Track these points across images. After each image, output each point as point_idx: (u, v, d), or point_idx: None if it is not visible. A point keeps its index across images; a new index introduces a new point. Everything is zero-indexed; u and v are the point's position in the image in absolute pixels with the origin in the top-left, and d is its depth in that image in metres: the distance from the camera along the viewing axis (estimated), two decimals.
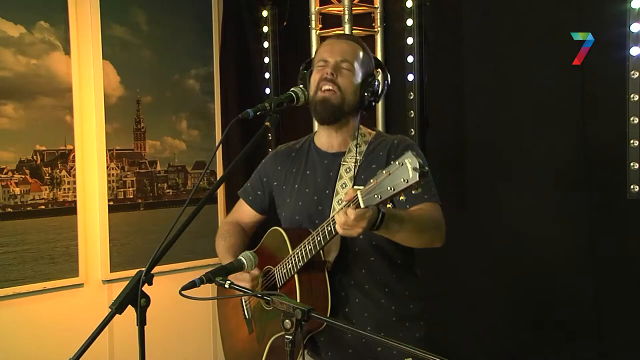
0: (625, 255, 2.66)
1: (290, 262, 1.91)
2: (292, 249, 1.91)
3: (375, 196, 1.53)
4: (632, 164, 2.49)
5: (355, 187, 1.70)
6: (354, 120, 2.02)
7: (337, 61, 1.96)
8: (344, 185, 1.97)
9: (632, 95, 2.47)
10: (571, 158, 2.81)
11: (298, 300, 1.87)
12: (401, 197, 1.51)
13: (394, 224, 1.72)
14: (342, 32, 3.14)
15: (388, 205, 1.60)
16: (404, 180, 1.46)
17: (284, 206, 2.11)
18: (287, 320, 1.47)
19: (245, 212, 2.25)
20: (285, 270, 1.93)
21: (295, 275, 1.89)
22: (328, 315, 1.89)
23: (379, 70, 2.05)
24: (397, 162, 1.48)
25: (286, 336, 1.48)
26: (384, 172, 1.51)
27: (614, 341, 2.71)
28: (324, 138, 2.06)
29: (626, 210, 2.59)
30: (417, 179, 1.45)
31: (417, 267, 2.11)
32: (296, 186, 2.07)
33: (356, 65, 1.97)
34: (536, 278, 2.93)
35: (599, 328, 2.73)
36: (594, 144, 2.71)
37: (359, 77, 1.97)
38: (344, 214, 1.62)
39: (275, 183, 2.14)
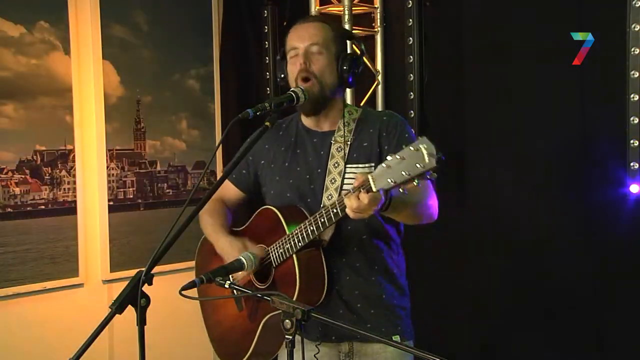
0: (625, 255, 2.66)
1: (288, 242, 1.91)
2: (289, 229, 1.92)
3: (389, 180, 1.54)
4: (632, 164, 2.49)
5: (362, 172, 1.77)
6: (340, 99, 2.05)
7: (307, 46, 1.96)
8: (336, 165, 1.98)
9: (632, 95, 2.47)
10: (571, 157, 2.81)
11: (298, 280, 1.88)
12: (414, 182, 1.52)
13: (399, 204, 1.75)
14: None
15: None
16: (420, 165, 1.48)
17: (272, 184, 2.10)
18: (287, 320, 1.47)
19: (229, 190, 2.22)
20: (282, 250, 1.93)
21: (294, 256, 1.90)
22: (324, 293, 1.93)
23: (352, 41, 2.07)
24: (411, 147, 1.50)
25: (286, 336, 1.48)
26: (397, 156, 1.52)
27: (614, 341, 2.71)
28: (312, 121, 2.07)
29: (626, 210, 2.60)
30: (434, 164, 1.47)
31: (402, 245, 2.12)
32: (286, 164, 2.07)
33: (326, 45, 1.97)
34: (535, 277, 2.93)
35: (598, 328, 2.73)
36: (594, 144, 2.72)
37: (332, 56, 1.98)
38: (356, 198, 1.63)
39: (262, 161, 2.13)
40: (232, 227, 2.19)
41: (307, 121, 2.08)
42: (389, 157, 1.54)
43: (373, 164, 1.96)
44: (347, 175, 1.96)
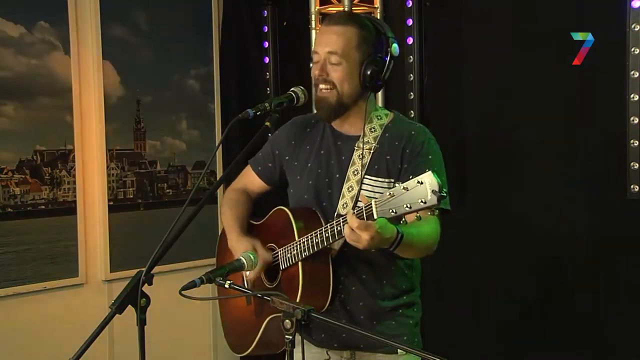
0: (625, 255, 2.66)
1: (295, 248, 1.90)
2: (298, 235, 1.90)
3: (391, 211, 1.53)
4: (632, 164, 2.49)
5: (380, 186, 1.77)
6: (364, 102, 1.96)
7: (326, 55, 1.91)
8: (355, 173, 1.94)
9: (632, 95, 2.47)
10: (571, 158, 2.81)
11: (300, 287, 1.87)
12: (417, 215, 1.51)
13: (406, 245, 1.73)
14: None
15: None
16: (422, 202, 1.46)
17: (293, 182, 2.08)
18: (287, 320, 1.47)
19: (253, 181, 2.20)
20: (289, 255, 1.92)
21: (300, 263, 1.89)
22: (328, 302, 1.91)
23: (384, 42, 1.96)
24: (416, 181, 1.47)
25: (286, 336, 1.48)
26: (402, 187, 1.50)
27: (614, 341, 2.71)
28: (337, 121, 2.01)
29: (626, 210, 2.59)
30: (435, 202, 1.45)
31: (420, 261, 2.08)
32: (309, 164, 2.03)
33: (347, 52, 1.90)
34: (535, 277, 2.93)
35: (598, 328, 2.73)
36: (594, 144, 2.72)
37: (354, 63, 1.90)
38: (354, 221, 1.61)
39: (287, 157, 2.10)
40: (252, 219, 2.17)
41: (334, 121, 2.04)
42: (396, 185, 1.52)
43: (392, 180, 1.91)
44: (364, 186, 1.91)
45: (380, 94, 3.36)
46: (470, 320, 3.09)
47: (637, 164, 2.48)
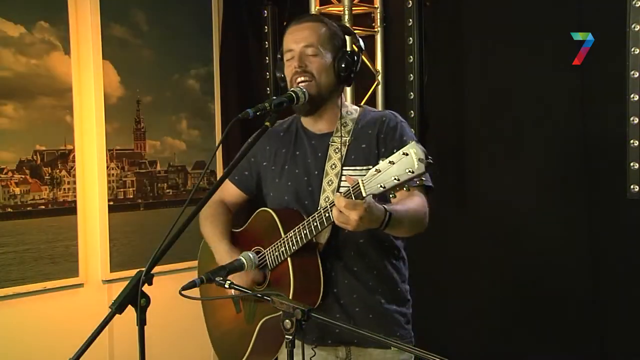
0: (625, 255, 2.66)
1: (283, 245, 1.90)
2: (285, 232, 1.91)
3: (379, 186, 1.53)
4: (632, 164, 2.49)
5: (360, 174, 1.72)
6: (337, 99, 2.02)
7: (302, 48, 1.95)
8: (333, 166, 1.97)
9: (632, 95, 2.47)
10: (571, 158, 2.81)
11: (292, 283, 1.87)
12: (404, 188, 1.51)
13: (396, 223, 1.73)
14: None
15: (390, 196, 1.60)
16: (409, 171, 1.47)
17: (272, 186, 2.10)
18: (287, 320, 1.47)
19: (230, 192, 2.21)
20: (277, 253, 1.92)
21: (289, 259, 1.89)
22: (320, 296, 1.91)
23: (349, 38, 2.03)
24: (401, 152, 1.48)
25: (286, 336, 1.48)
26: (388, 161, 1.51)
27: (614, 341, 2.71)
28: (310, 121, 2.05)
29: (626, 210, 2.60)
30: (423, 170, 1.46)
31: (405, 251, 2.09)
32: (286, 167, 2.06)
33: (322, 45, 1.95)
34: (535, 277, 2.93)
35: (598, 328, 2.73)
36: (594, 144, 2.72)
37: (328, 56, 1.96)
38: (339, 203, 1.61)
39: (264, 163, 2.12)
40: (232, 229, 2.18)
41: (305, 122, 2.07)
42: (380, 161, 1.53)
43: (371, 167, 1.93)
44: (344, 178, 1.93)
45: (380, 93, 3.37)
46: (470, 320, 3.09)
47: (637, 164, 2.48)
